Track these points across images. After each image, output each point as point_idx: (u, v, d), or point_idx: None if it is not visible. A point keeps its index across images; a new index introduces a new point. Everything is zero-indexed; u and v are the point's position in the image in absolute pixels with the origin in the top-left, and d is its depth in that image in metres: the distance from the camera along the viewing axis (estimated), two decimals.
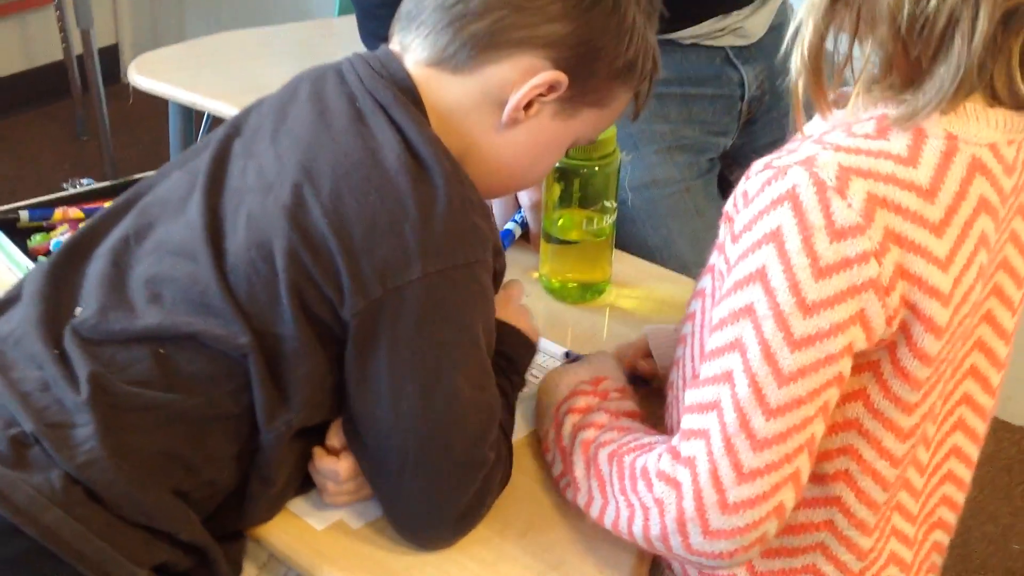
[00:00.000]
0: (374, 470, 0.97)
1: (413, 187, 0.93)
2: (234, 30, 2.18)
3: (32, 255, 1.32)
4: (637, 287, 1.38)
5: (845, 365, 0.83)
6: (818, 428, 0.84)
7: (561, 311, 1.33)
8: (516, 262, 1.39)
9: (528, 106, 1.03)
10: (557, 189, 1.28)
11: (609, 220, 1.31)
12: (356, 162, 0.95)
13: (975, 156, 0.83)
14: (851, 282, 0.81)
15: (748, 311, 0.83)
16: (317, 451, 1.00)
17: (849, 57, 0.84)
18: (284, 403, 0.94)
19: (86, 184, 1.51)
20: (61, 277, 1.02)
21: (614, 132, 1.27)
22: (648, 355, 1.18)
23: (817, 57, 0.84)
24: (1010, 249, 0.91)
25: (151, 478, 0.90)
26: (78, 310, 0.98)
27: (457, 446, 0.95)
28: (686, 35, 1.55)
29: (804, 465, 0.85)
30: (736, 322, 0.83)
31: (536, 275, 1.37)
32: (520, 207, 1.41)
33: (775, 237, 0.82)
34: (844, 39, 0.84)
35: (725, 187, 1.63)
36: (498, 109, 1.03)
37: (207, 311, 0.94)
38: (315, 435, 1.00)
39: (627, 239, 1.49)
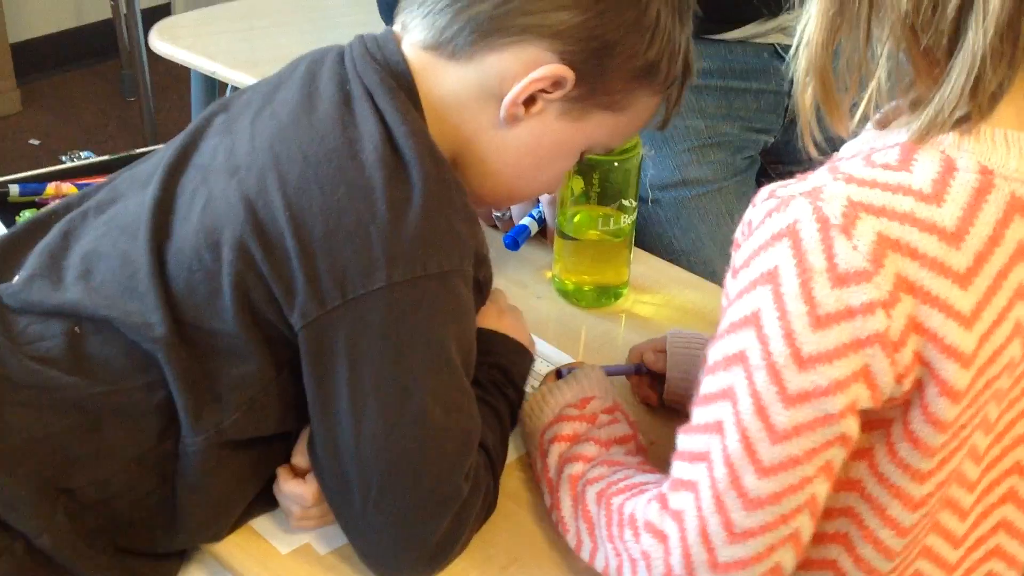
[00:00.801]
0: (336, 500, 0.89)
1: (386, 184, 0.84)
2: None
3: None
4: (658, 292, 1.28)
5: (848, 425, 0.73)
6: (820, 488, 0.75)
7: (573, 316, 1.24)
8: (529, 260, 1.31)
9: (530, 103, 0.94)
10: (574, 184, 1.19)
11: (628, 220, 1.21)
12: (330, 150, 0.86)
13: (1015, 194, 0.71)
14: (854, 335, 0.70)
15: (741, 358, 0.73)
16: (281, 472, 0.92)
17: (863, 61, 0.73)
18: (213, 404, 0.86)
19: (85, 157, 1.43)
20: (17, 244, 0.96)
21: None
22: (662, 351, 1.09)
23: (825, 63, 0.73)
24: None
25: (22, 464, 0.82)
26: (16, 278, 0.92)
27: (426, 476, 0.86)
28: (730, 36, 1.45)
29: (805, 525, 0.76)
30: (728, 369, 0.74)
31: (549, 275, 1.28)
32: (539, 201, 1.32)
33: (772, 278, 0.72)
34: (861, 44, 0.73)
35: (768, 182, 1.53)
36: (498, 103, 0.94)
37: (131, 295, 0.87)
38: (267, 447, 0.92)
39: (652, 240, 1.40)
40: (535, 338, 1.13)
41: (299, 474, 0.92)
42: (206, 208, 0.88)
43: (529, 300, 1.25)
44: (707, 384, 0.76)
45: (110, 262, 0.89)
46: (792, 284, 0.71)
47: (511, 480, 1.00)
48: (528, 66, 0.92)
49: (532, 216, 1.32)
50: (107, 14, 3.34)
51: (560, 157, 1.00)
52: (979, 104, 0.70)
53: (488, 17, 0.91)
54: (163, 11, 3.64)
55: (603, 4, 0.91)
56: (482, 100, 0.94)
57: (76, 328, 0.87)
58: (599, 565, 0.87)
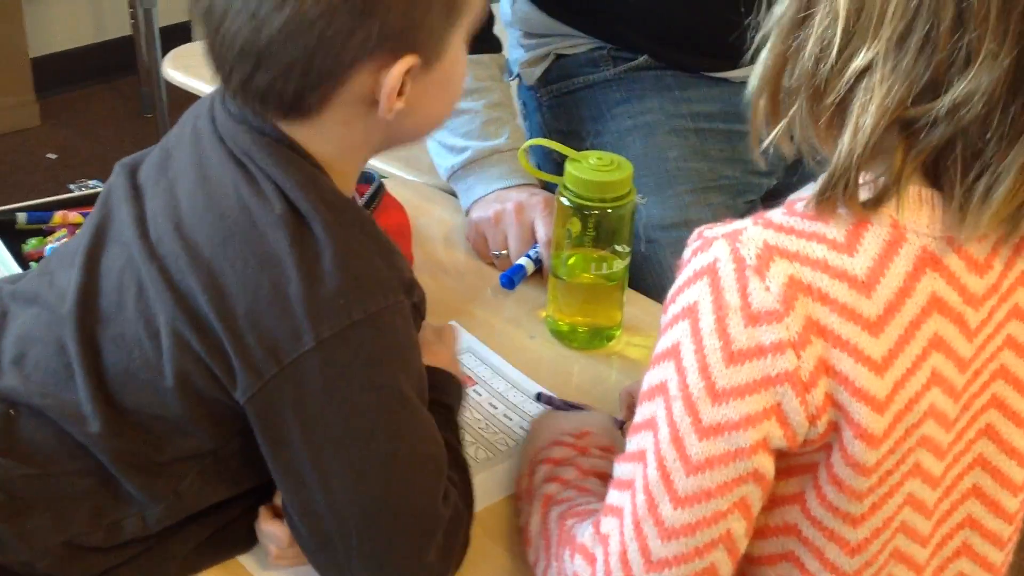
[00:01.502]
0: (320, 558, 0.89)
1: (291, 246, 0.84)
2: None
3: (26, 260, 1.28)
4: (649, 335, 1.29)
5: (761, 461, 0.76)
6: (736, 524, 0.77)
7: (566, 357, 1.26)
8: (524, 300, 1.33)
9: (400, 93, 0.88)
10: (571, 226, 1.21)
11: (621, 264, 1.23)
12: (231, 226, 0.85)
13: (925, 248, 0.74)
14: (764, 372, 0.73)
15: (662, 389, 0.77)
16: (263, 511, 0.94)
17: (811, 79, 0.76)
18: (164, 475, 0.88)
19: (92, 186, 1.44)
20: None
21: (630, 174, 1.20)
22: None
23: (776, 79, 0.77)
24: (1009, 357, 0.81)
25: None
26: None
27: (404, 514, 0.87)
28: (736, 75, 1.46)
29: (722, 562, 0.78)
30: (652, 399, 0.77)
31: (543, 315, 1.30)
32: (536, 242, 1.34)
33: (691, 313, 0.75)
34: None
35: None
36: (376, 107, 0.88)
37: (66, 384, 0.88)
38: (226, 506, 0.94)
39: (649, 280, 1.41)
40: (507, 364, 1.17)
41: (279, 514, 0.93)
42: (140, 296, 0.87)
43: (523, 339, 1.27)
44: (638, 412, 0.79)
45: (44, 348, 0.90)
46: (709, 320, 0.74)
47: (500, 522, 1.01)
48: (376, 73, 0.86)
49: (529, 256, 1.34)
50: (127, 31, 3.38)
51: (455, 82, 0.95)
52: (831, 202, 0.74)
53: (304, 86, 0.85)
54: (182, 29, 3.68)
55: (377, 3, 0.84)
56: (362, 117, 0.89)
57: (11, 411, 0.88)
58: None
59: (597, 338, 1.27)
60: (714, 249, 0.75)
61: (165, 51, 2.96)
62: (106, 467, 0.86)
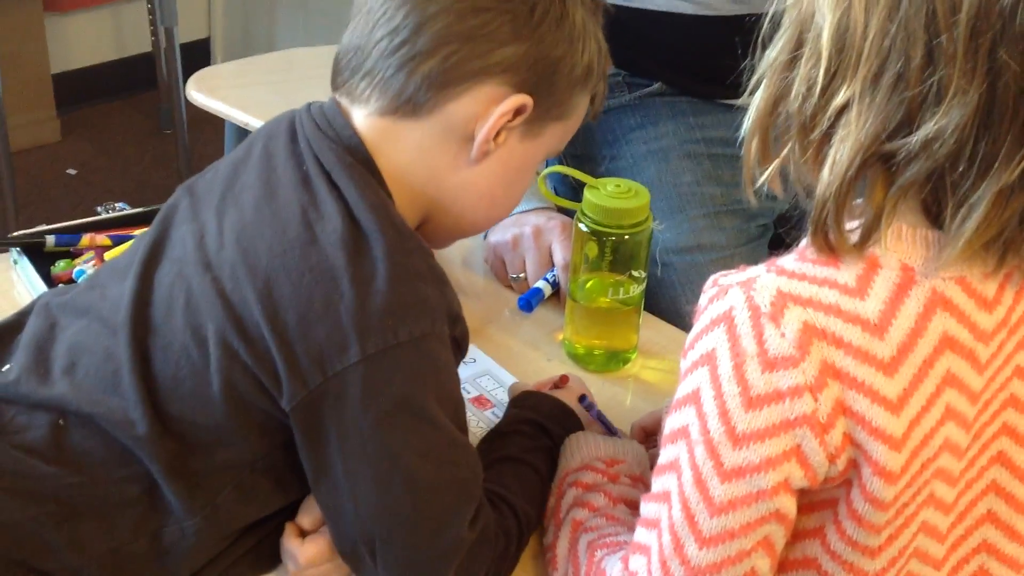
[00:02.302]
0: (351, 561, 0.93)
1: (348, 263, 0.88)
2: (312, 46, 2.15)
3: (55, 282, 1.31)
4: (665, 358, 1.32)
5: (783, 502, 0.78)
6: (760, 562, 0.80)
7: (582, 379, 1.27)
8: (542, 323, 1.35)
9: (497, 135, 0.98)
10: (588, 250, 1.24)
11: (637, 289, 1.25)
12: (293, 239, 0.90)
13: (935, 290, 0.76)
14: (783, 416, 0.75)
15: (684, 433, 0.79)
16: (288, 527, 0.97)
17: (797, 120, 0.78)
18: (204, 485, 0.91)
19: (120, 209, 1.47)
20: (8, 331, 1.01)
21: (647, 201, 1.22)
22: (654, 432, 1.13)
23: (767, 120, 0.79)
24: (1019, 386, 0.83)
25: None
26: (6, 367, 0.96)
27: (424, 531, 0.90)
28: (743, 103, 1.48)
29: None
30: (675, 442, 0.80)
31: (560, 337, 1.32)
32: (554, 265, 1.37)
33: (710, 360, 0.77)
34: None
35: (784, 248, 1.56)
36: (465, 144, 0.98)
37: (114, 391, 0.91)
38: (262, 524, 0.97)
39: (664, 303, 1.43)
40: (491, 361, 1.24)
41: (303, 532, 0.96)
42: (188, 306, 0.91)
43: (540, 362, 1.29)
44: (663, 454, 0.82)
45: (93, 357, 0.93)
46: (727, 366, 0.76)
47: None
48: (489, 104, 0.96)
49: (546, 279, 1.36)
50: (147, 48, 3.42)
51: (525, 174, 1.05)
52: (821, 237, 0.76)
53: (440, 71, 0.95)
54: (202, 45, 3.73)
55: (541, 28, 0.96)
56: (450, 145, 0.98)
57: (60, 420, 0.91)
58: None
59: (613, 361, 1.29)
60: (729, 297, 0.77)
61: (184, 67, 3.01)
62: (152, 474, 0.90)
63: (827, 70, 0.74)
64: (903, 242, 0.77)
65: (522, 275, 1.39)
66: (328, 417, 0.88)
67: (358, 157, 0.95)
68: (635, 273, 1.24)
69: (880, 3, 0.72)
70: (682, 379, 0.80)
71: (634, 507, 0.99)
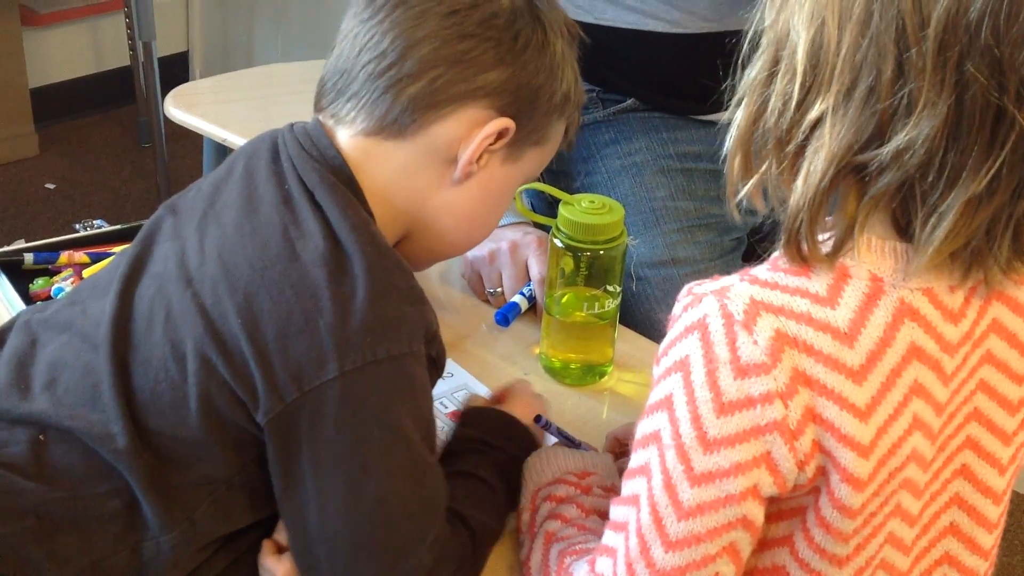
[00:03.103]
0: None
1: (329, 280, 0.89)
2: (290, 61, 2.17)
3: (33, 300, 1.32)
4: (641, 371, 1.34)
5: (750, 508, 0.79)
6: (724, 568, 0.81)
7: (559, 393, 1.29)
8: (519, 337, 1.36)
9: (479, 157, 1.01)
10: (563, 267, 1.25)
11: (613, 303, 1.27)
12: (274, 256, 0.91)
13: (903, 300, 0.78)
14: (754, 422, 0.77)
15: (656, 438, 0.80)
16: (266, 544, 0.98)
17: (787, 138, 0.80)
18: (181, 500, 0.91)
19: (98, 226, 1.48)
20: None
21: (621, 217, 1.24)
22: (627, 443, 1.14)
23: (748, 137, 0.81)
24: (983, 400, 0.85)
25: None
26: None
27: (389, 551, 0.91)
28: (721, 118, 1.50)
29: None
30: (647, 446, 0.81)
31: (537, 351, 1.34)
32: (530, 280, 1.38)
33: (683, 366, 0.79)
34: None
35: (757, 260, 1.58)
36: (448, 166, 1.01)
37: (94, 406, 0.92)
38: (240, 535, 0.97)
39: (638, 317, 1.45)
40: (468, 375, 1.26)
41: (281, 549, 0.97)
42: (168, 320, 0.92)
43: (517, 375, 1.30)
44: (632, 459, 0.83)
45: (74, 372, 0.94)
46: (700, 373, 0.78)
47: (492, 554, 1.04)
48: (472, 127, 0.99)
49: (522, 294, 1.38)
50: (126, 62, 3.42)
51: (505, 197, 1.08)
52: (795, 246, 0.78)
53: (426, 93, 0.98)
54: (181, 59, 3.73)
55: (524, 55, 1.00)
56: (432, 167, 1.01)
57: (40, 436, 0.92)
58: None
59: (589, 374, 1.31)
60: (703, 305, 0.79)
61: (163, 81, 3.02)
62: (131, 488, 0.90)
63: (802, 85, 0.76)
64: (873, 253, 0.78)
65: (499, 289, 1.40)
66: (303, 431, 0.89)
67: (341, 177, 0.97)
68: (610, 288, 1.25)
69: (852, 19, 0.74)
70: (655, 385, 0.82)
71: (607, 517, 1.01)
